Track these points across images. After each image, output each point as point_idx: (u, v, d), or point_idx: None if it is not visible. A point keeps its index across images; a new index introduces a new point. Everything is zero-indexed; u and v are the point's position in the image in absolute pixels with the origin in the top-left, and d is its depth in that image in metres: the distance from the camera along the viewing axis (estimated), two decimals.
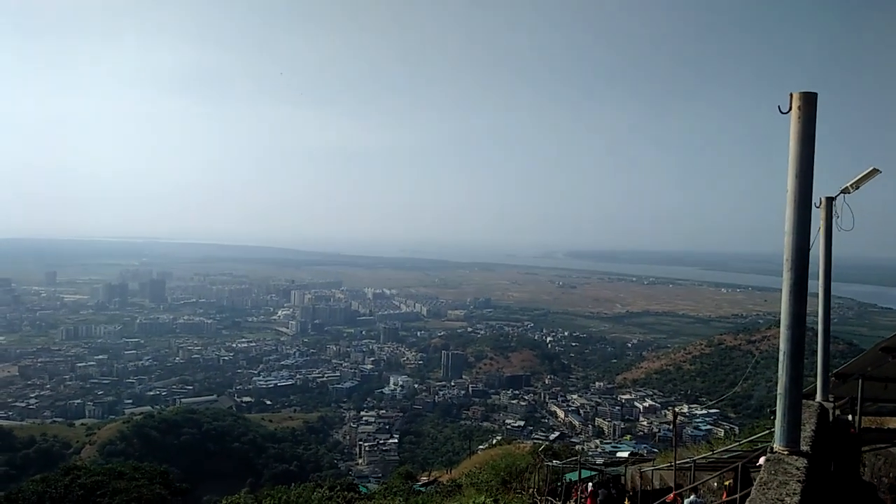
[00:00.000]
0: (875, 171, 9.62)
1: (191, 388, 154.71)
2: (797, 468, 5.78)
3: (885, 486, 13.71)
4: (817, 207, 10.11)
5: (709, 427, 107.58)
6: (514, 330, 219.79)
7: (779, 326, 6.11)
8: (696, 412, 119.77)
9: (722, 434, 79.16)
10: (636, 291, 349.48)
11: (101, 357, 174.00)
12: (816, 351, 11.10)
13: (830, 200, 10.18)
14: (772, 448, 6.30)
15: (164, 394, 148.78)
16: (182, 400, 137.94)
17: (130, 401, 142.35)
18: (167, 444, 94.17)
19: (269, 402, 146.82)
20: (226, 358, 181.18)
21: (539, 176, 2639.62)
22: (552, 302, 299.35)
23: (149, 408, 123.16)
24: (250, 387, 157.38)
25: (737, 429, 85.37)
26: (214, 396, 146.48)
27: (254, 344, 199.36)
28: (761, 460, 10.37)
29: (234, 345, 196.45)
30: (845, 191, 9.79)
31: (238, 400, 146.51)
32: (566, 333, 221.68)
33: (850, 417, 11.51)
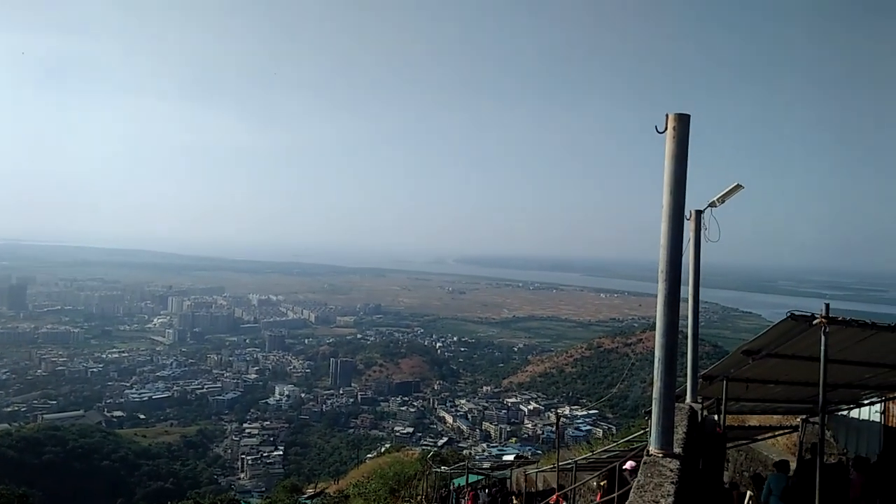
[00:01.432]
0: (739, 187, 10.38)
1: (54, 402, 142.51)
2: (671, 470, 6.02)
3: (745, 479, 14.79)
4: (688, 220, 10.76)
5: (589, 427, 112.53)
6: (404, 336, 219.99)
7: (652, 330, 6.39)
8: (577, 413, 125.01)
9: (601, 434, 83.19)
10: (522, 296, 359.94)
11: None
12: (686, 354, 11.78)
13: (699, 213, 10.86)
14: (648, 451, 6.53)
15: (23, 410, 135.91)
16: (44, 416, 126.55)
17: None
18: (27, 465, 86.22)
19: (142, 417, 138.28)
20: (94, 370, 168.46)
21: (429, 183, 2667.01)
22: (442, 307, 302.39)
23: (6, 425, 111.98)
24: (122, 400, 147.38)
25: (614, 428, 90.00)
26: (81, 411, 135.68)
27: (126, 354, 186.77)
28: (627, 465, 10.86)
29: (104, 355, 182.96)
30: (712, 204, 10.49)
31: (108, 415, 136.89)
32: (455, 339, 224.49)
33: (716, 417, 12.28)
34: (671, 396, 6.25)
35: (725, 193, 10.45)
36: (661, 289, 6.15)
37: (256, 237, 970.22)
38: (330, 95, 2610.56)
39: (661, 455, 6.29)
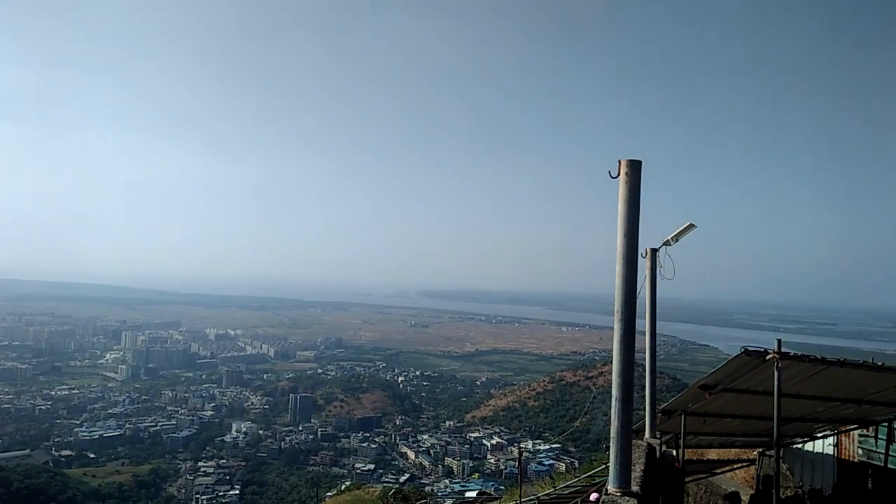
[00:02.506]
0: (691, 226, 10.63)
1: None
2: None
3: None
4: (643, 258, 10.96)
5: (551, 462, 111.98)
6: (366, 370, 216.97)
7: (612, 363, 6.45)
8: (540, 447, 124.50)
9: (563, 468, 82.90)
10: (485, 330, 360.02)
11: None
12: (645, 388, 11.87)
13: (654, 252, 11.07)
14: (606, 490, 6.52)
15: None
16: None
17: None
18: None
19: (92, 456, 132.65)
20: (42, 407, 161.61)
21: (390, 216, 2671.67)
22: (404, 341, 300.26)
23: None
24: (71, 439, 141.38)
25: (577, 462, 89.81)
26: (28, 451, 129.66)
27: (76, 391, 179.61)
28: (592, 496, 10.85)
29: (52, 392, 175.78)
30: (667, 243, 10.71)
31: (56, 454, 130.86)
32: (418, 373, 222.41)
33: (674, 452, 12.36)
34: (628, 435, 6.28)
35: (679, 232, 10.69)
36: (616, 329, 6.23)
37: (215, 270, 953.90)
38: (287, 131, 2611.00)
39: (619, 494, 6.29)
